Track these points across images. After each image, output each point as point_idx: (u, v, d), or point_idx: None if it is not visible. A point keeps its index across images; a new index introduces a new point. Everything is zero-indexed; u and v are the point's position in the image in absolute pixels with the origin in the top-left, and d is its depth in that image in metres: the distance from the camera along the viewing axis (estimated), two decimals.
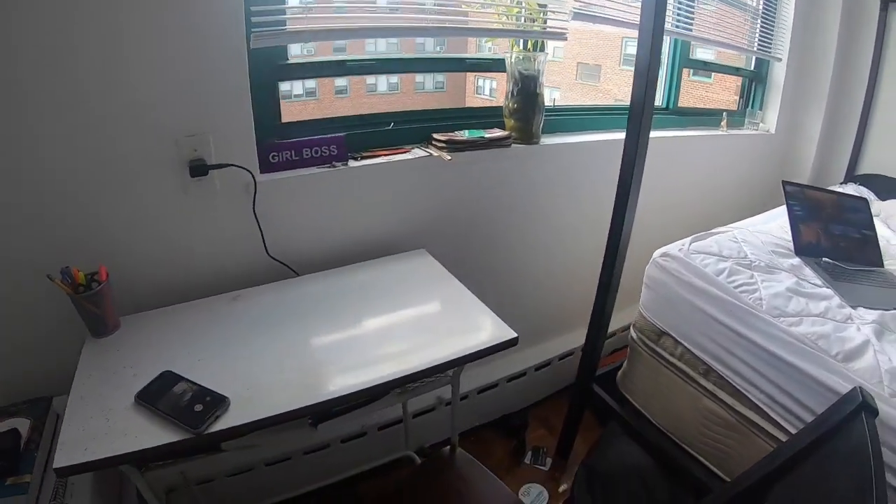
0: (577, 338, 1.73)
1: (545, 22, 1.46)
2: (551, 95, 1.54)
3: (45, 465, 1.03)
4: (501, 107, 1.48)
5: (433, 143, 1.37)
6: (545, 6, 1.46)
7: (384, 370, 0.93)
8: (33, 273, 1.02)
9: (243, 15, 1.06)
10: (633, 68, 1.18)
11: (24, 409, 1.11)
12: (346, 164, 1.25)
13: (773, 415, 1.10)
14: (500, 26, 1.42)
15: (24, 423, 1.08)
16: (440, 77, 1.40)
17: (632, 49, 1.16)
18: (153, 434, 0.83)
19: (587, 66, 5.85)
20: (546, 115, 1.52)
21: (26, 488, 0.95)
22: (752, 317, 1.16)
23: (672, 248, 1.37)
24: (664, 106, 2.00)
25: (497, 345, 1.00)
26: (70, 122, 1.00)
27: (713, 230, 1.51)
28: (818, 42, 2.15)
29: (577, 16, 1.47)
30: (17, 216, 1.03)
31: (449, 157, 1.32)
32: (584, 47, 5.89)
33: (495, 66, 1.49)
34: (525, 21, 1.46)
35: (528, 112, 1.47)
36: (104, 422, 0.87)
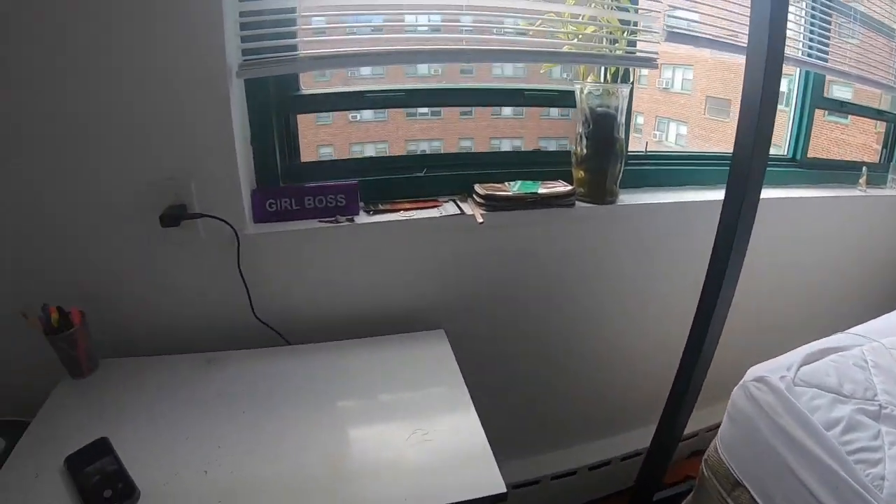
0: (640, 439, 1.37)
1: (629, 44, 1.11)
2: (677, 130, 1.20)
3: None
4: (566, 152, 1.15)
5: (473, 195, 1.08)
6: (630, 24, 1.11)
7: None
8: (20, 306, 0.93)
9: (225, 46, 0.88)
10: None
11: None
12: (353, 220, 1.02)
13: None
14: (571, 49, 1.10)
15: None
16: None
17: None
18: None
19: (717, 99, 5.27)
20: (632, 165, 1.17)
21: None
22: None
23: (773, 370, 0.97)
24: (790, 156, 1.51)
25: (477, 499, 0.73)
26: (48, 162, 0.91)
27: (834, 341, 1.09)
28: None
29: (672, 36, 1.10)
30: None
31: (481, 220, 1.03)
32: (713, 80, 5.34)
33: (561, 99, 1.16)
34: (605, 43, 1.12)
35: (602, 161, 1.13)
36: (33, 479, 0.75)
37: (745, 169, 0.84)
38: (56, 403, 0.91)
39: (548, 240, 1.14)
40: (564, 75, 1.21)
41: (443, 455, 0.81)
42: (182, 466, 0.77)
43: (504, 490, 0.74)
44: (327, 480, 0.76)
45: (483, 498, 0.75)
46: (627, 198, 1.18)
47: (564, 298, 1.23)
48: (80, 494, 0.74)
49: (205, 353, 1.02)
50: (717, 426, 1.08)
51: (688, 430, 1.22)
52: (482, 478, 0.76)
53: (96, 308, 0.99)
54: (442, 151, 1.17)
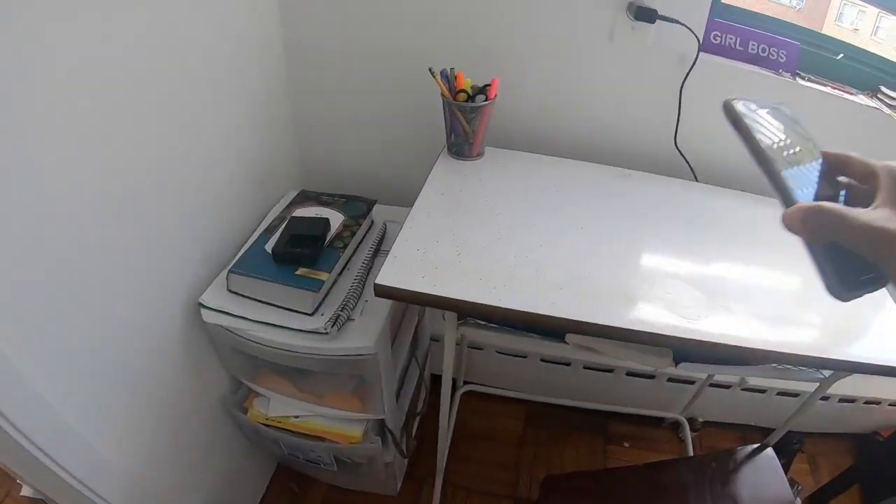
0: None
1: None
2: None
3: (342, 269, 0.87)
4: None
5: (879, 96, 1.07)
6: None
7: (763, 333, 0.69)
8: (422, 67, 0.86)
9: None
10: None
11: (340, 203, 0.94)
12: (795, 79, 0.98)
13: None
14: None
15: (337, 216, 0.91)
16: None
17: None
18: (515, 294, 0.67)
19: None
20: None
21: (319, 286, 0.81)
22: None
23: None
24: None
25: None
26: None
27: None
28: None
29: None
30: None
31: None
32: None
33: None
34: None
35: None
36: (454, 255, 0.72)
37: None
38: (436, 184, 0.86)
39: None
40: None
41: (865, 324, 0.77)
42: (629, 266, 0.76)
43: None
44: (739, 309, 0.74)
45: None
46: None
47: None
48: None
49: (620, 168, 0.96)
50: None
51: None
52: None
53: (508, 91, 0.90)
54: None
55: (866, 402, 1.39)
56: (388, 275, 0.68)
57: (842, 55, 1.07)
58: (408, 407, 1.09)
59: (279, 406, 0.94)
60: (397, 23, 0.92)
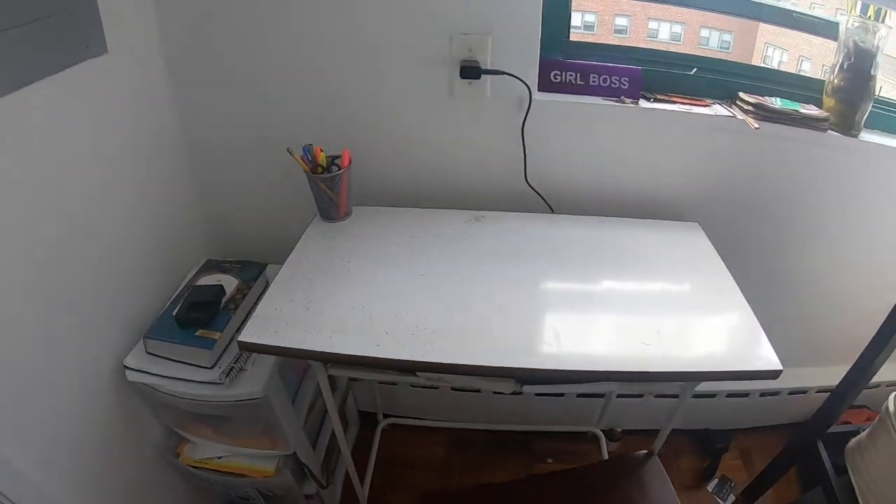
0: (820, 376, 1.43)
1: None
2: None
3: (236, 329, 1.00)
4: (821, 80, 1.18)
5: (738, 103, 1.11)
6: None
7: (608, 353, 0.79)
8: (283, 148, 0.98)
9: None
10: None
11: (237, 269, 1.08)
12: (637, 103, 1.05)
13: None
14: None
15: (231, 281, 1.05)
16: (726, 37, 1.16)
17: None
18: (346, 339, 0.78)
19: None
20: (880, 109, 1.20)
21: (212, 344, 0.94)
22: None
23: None
24: None
25: (752, 371, 0.77)
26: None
27: None
28: None
29: None
30: (278, 95, 1.04)
31: (756, 126, 1.06)
32: None
33: (823, 28, 1.18)
34: None
35: (854, 95, 1.14)
36: (303, 310, 0.83)
37: None
38: (308, 244, 0.99)
39: (799, 158, 1.14)
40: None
41: (713, 325, 0.86)
42: (469, 305, 0.85)
43: (779, 368, 0.77)
44: (603, 331, 0.83)
45: (756, 371, 0.77)
46: (871, 137, 1.20)
47: (805, 214, 1.23)
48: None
49: (472, 210, 1.06)
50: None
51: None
52: (758, 354, 0.79)
53: (365, 157, 1.02)
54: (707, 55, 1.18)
55: (791, 393, 1.37)
56: (248, 333, 0.80)
57: (695, 69, 1.12)
58: (328, 442, 1.20)
59: (204, 449, 1.08)
60: (273, 113, 1.06)
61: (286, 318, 0.82)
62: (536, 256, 0.95)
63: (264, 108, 1.06)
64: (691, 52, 1.19)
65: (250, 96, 1.05)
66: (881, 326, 1.06)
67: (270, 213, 1.16)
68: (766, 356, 0.78)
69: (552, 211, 1.08)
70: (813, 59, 1.27)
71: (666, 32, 1.20)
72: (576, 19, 1.11)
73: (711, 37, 1.31)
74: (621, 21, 1.22)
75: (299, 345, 0.78)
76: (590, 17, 1.19)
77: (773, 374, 0.78)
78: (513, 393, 0.88)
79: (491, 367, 0.75)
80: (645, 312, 0.86)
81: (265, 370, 0.96)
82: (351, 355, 0.76)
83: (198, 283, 1.05)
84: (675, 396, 1.33)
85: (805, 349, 1.44)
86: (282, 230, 1.13)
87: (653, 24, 1.25)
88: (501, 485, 0.95)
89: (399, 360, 0.76)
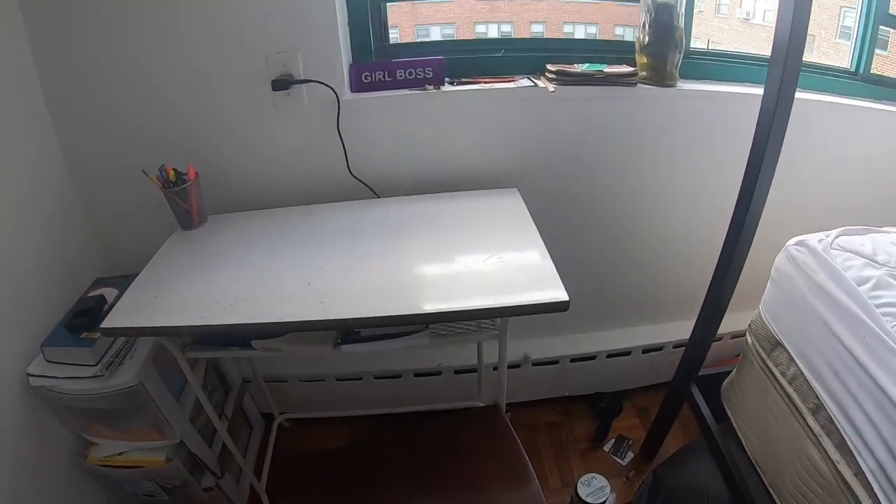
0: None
1: None
2: None
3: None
4: (631, 42, 1.27)
5: (545, 73, 1.22)
6: None
7: (417, 304, 0.87)
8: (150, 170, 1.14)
9: None
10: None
11: (117, 282, 1.25)
12: (439, 89, 1.17)
13: (880, 497, 0.76)
14: None
15: (112, 292, 1.21)
16: (592, 28, 1.24)
17: (850, 20, 0.88)
18: (181, 317, 0.91)
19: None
20: (694, 58, 1.28)
21: (93, 343, 1.09)
22: (887, 351, 0.80)
23: (812, 237, 1.03)
24: (853, 70, 1.55)
25: (542, 304, 0.86)
26: (171, 39, 1.10)
27: (876, 228, 1.12)
28: None
29: None
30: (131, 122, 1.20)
31: (552, 89, 1.16)
32: None
33: None
34: None
35: (661, 48, 1.23)
36: (152, 299, 0.96)
37: (783, 56, 0.87)
38: (168, 250, 1.13)
39: (610, 115, 1.24)
40: None
41: (515, 272, 0.94)
42: (289, 280, 0.97)
43: (566, 299, 0.86)
44: (413, 285, 0.93)
45: (546, 304, 0.86)
46: (686, 85, 1.28)
47: (618, 168, 1.33)
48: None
49: (305, 205, 1.20)
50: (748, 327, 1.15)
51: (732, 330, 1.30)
52: (548, 290, 0.88)
53: (213, 169, 1.18)
54: (514, 35, 1.31)
55: (675, 347, 1.38)
56: (108, 321, 0.94)
57: (503, 51, 1.24)
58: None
59: (107, 448, 1.21)
60: (138, 139, 1.21)
61: (139, 307, 0.96)
62: (356, 235, 1.07)
63: (130, 135, 1.21)
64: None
65: (118, 129, 1.21)
66: (713, 277, 1.13)
67: (149, 231, 1.32)
68: (556, 289, 0.87)
69: (378, 196, 1.20)
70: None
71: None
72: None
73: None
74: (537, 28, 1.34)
75: (145, 324, 0.92)
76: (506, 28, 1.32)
77: (563, 307, 0.86)
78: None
79: (299, 322, 0.87)
80: (454, 262, 0.98)
81: (139, 362, 1.11)
82: (179, 326, 0.90)
83: (85, 296, 1.22)
84: (556, 363, 1.40)
85: (675, 303, 1.48)
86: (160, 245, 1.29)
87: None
88: (361, 444, 1.04)
89: (217, 326, 0.89)
